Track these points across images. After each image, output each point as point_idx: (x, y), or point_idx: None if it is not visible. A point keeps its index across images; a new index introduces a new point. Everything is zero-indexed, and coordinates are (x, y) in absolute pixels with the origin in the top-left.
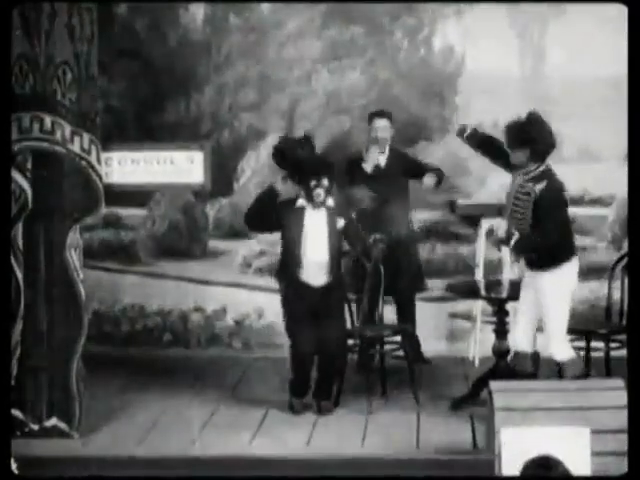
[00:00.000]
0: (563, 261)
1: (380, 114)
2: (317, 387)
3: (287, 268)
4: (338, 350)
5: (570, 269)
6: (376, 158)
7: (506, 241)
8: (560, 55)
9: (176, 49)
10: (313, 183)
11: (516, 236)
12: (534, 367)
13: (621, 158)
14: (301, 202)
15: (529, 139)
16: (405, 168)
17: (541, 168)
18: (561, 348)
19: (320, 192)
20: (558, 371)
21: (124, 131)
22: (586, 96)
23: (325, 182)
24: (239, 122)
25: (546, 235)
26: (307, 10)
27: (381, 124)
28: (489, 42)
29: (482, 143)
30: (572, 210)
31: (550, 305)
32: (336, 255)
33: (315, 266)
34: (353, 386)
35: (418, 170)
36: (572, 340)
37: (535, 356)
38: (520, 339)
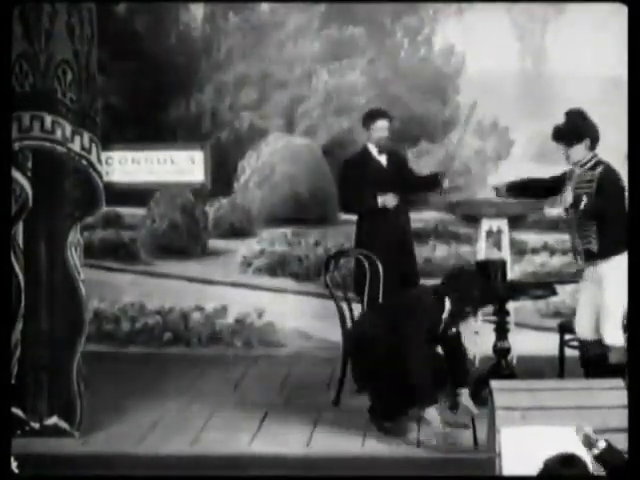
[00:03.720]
0: (623, 249)
1: (381, 115)
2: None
3: None
4: None
5: None
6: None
7: (575, 205)
8: (560, 55)
9: (176, 48)
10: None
11: (584, 200)
12: (602, 352)
13: (621, 158)
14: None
15: (586, 130)
16: (403, 171)
17: (594, 157)
18: (614, 333)
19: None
20: (601, 355)
21: (124, 130)
22: (586, 96)
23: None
24: (239, 121)
25: (611, 217)
26: (307, 9)
27: (383, 124)
28: (489, 42)
29: (523, 190)
30: None
31: (609, 291)
32: None
33: None
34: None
35: (412, 181)
36: (573, 340)
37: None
38: (583, 328)
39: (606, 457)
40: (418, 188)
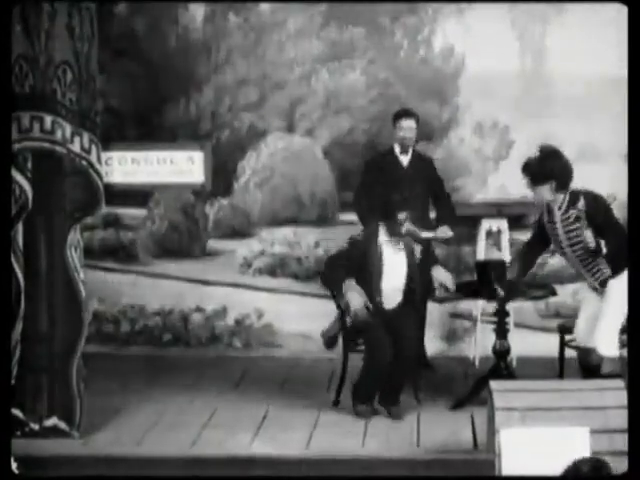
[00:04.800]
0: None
1: (407, 114)
2: (387, 394)
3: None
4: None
5: None
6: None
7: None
8: (560, 55)
9: (176, 49)
10: (401, 217)
11: (603, 245)
12: (622, 369)
13: (621, 158)
14: (382, 237)
15: (552, 173)
16: (428, 177)
17: (568, 192)
18: (609, 344)
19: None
20: (597, 365)
21: (124, 131)
22: (586, 96)
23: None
24: (239, 122)
25: (616, 242)
26: (307, 10)
27: (407, 124)
28: (489, 42)
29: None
30: None
31: (610, 302)
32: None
33: (392, 292)
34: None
35: (438, 191)
36: (573, 341)
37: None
38: (583, 335)
39: None
40: (437, 203)
